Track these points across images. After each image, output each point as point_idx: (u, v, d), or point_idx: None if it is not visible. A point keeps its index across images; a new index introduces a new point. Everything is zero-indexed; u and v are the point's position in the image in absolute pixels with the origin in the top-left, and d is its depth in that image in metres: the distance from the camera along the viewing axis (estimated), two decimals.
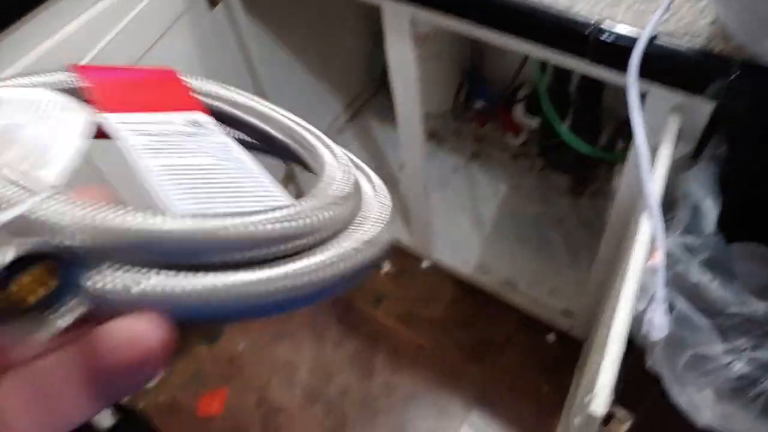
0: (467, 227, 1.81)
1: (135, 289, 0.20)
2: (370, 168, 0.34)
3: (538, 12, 0.91)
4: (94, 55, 1.13)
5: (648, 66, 0.81)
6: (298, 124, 0.34)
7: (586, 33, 0.88)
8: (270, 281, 0.22)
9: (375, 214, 0.28)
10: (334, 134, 2.06)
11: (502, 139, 1.96)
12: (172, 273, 0.21)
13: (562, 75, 1.53)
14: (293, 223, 0.23)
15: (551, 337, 1.66)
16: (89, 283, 0.20)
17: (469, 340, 1.70)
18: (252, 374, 1.73)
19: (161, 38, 1.28)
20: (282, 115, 0.35)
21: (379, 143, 2.04)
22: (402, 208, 1.85)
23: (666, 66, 0.84)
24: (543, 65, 1.52)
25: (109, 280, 0.20)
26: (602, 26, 0.87)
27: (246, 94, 0.35)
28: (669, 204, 0.87)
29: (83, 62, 1.12)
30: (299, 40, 1.73)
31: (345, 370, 1.70)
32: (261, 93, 1.65)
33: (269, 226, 0.23)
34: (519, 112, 1.85)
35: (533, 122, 1.80)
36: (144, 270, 0.20)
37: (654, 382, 0.78)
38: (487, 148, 1.97)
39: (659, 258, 0.73)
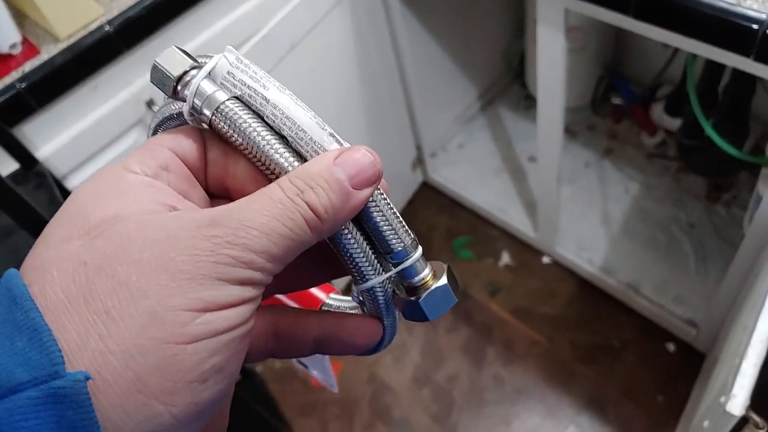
0: (594, 225, 1.77)
1: None
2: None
3: (704, 6, 0.88)
4: (263, 35, 1.19)
5: None
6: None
7: (755, 29, 0.84)
8: None
9: None
10: (465, 122, 2.06)
11: (637, 138, 1.90)
12: None
13: (711, 75, 1.46)
14: None
15: (671, 347, 1.61)
16: None
17: (586, 340, 1.67)
18: None
19: (321, 21, 1.33)
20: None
21: (509, 134, 2.02)
22: (528, 200, 1.83)
23: None
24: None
25: None
26: None
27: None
28: None
29: (252, 43, 1.17)
30: (445, 27, 1.75)
31: (456, 357, 1.70)
32: (403, 74, 1.68)
33: None
34: (658, 111, 1.78)
35: (673, 122, 1.74)
36: None
37: None
38: (620, 146, 1.91)
39: None
